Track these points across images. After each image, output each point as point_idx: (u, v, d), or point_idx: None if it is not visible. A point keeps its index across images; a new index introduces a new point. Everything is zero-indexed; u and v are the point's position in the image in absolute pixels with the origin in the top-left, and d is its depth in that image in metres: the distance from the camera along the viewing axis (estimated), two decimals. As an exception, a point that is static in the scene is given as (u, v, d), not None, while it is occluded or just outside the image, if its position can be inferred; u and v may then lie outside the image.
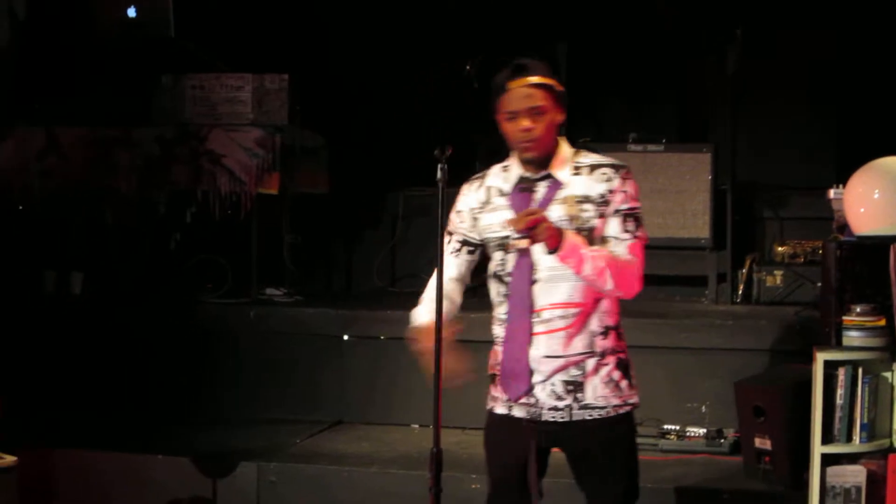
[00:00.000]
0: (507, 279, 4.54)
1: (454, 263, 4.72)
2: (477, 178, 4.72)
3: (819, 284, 6.53)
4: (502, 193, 4.59)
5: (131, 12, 8.12)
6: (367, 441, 6.88)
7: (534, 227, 4.31)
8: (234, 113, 7.83)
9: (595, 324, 4.52)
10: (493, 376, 4.68)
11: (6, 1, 7.97)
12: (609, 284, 4.42)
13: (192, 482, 6.35)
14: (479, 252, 4.73)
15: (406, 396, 7.10)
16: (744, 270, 7.78)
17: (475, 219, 4.65)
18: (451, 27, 8.72)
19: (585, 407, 4.51)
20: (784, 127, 8.48)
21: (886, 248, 5.35)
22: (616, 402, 4.54)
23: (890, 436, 5.36)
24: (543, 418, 4.53)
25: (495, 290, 4.64)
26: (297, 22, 8.85)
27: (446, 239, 4.73)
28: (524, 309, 4.50)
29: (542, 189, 4.53)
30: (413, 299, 7.94)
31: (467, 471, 6.13)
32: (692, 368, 6.77)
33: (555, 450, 4.68)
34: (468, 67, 8.02)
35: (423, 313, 4.68)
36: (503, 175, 4.63)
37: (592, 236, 4.45)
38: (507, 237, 4.53)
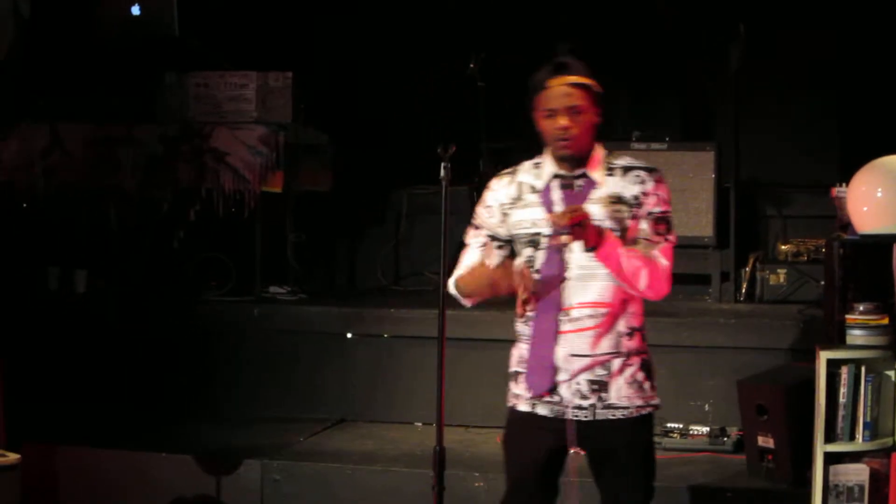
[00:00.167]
0: (535, 276, 4.54)
1: (479, 256, 4.69)
2: (507, 174, 4.69)
3: (822, 283, 6.54)
4: (534, 190, 4.58)
5: (135, 10, 8.13)
6: (370, 439, 6.89)
7: (577, 224, 4.31)
8: (238, 111, 7.83)
9: (622, 325, 4.52)
10: (517, 373, 4.66)
11: (11, -1, 7.99)
12: (641, 285, 4.44)
13: (195, 480, 6.36)
14: (507, 249, 4.69)
15: (409, 394, 7.11)
16: (747, 269, 7.77)
17: (505, 214, 4.63)
18: (452, 26, 8.72)
19: (609, 407, 4.51)
20: (787, 125, 8.49)
21: (889, 247, 5.35)
22: (639, 402, 4.55)
23: (893, 434, 5.35)
24: (567, 417, 4.54)
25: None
26: (301, 20, 8.85)
27: (472, 233, 4.72)
28: (553, 307, 4.49)
29: (576, 188, 4.54)
30: (416, 297, 7.99)
31: (470, 469, 6.14)
32: (695, 367, 6.77)
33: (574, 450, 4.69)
34: (471, 66, 8.02)
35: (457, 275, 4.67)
36: (535, 172, 4.61)
37: (625, 237, 4.46)
38: (537, 233, 4.53)
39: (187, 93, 7.90)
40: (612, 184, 4.51)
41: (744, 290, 7.76)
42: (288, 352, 7.43)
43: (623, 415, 4.52)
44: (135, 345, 7.52)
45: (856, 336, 5.35)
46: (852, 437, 5.32)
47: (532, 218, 4.55)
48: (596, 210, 4.46)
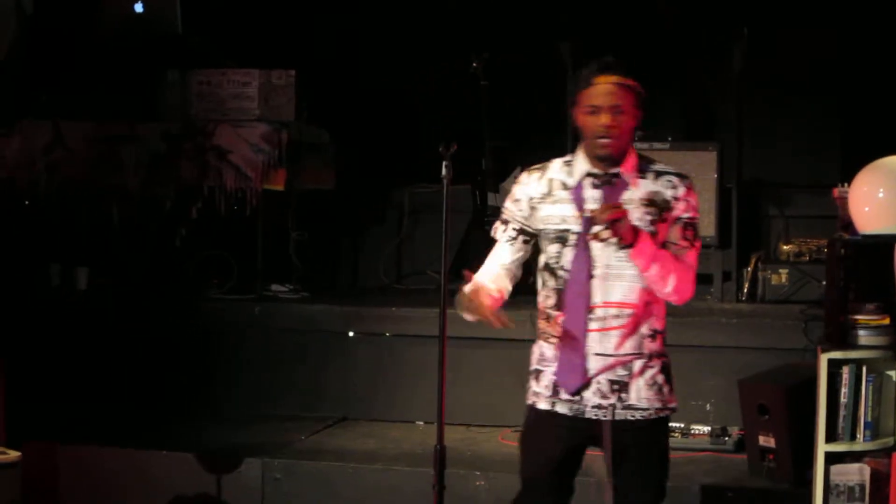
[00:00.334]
0: (561, 273, 4.53)
1: (508, 251, 4.67)
2: (536, 169, 4.67)
3: (824, 283, 6.53)
4: (565, 187, 4.57)
5: (138, 8, 8.13)
6: (371, 438, 6.89)
7: (617, 220, 4.31)
8: (241, 109, 7.84)
9: (645, 326, 4.53)
10: (537, 371, 4.66)
11: (14, -4, 8.00)
12: (669, 287, 4.46)
13: (196, 478, 6.35)
14: (533, 245, 4.68)
15: (411, 393, 7.12)
16: (749, 269, 7.77)
17: (533, 209, 4.61)
18: (454, 25, 8.72)
19: (628, 407, 4.52)
20: (789, 125, 8.49)
21: (891, 247, 5.36)
22: (658, 405, 4.56)
23: (894, 434, 5.37)
24: (586, 416, 4.54)
25: (547, 283, 4.61)
26: (304, 18, 8.85)
27: (500, 227, 4.69)
28: (582, 304, 4.49)
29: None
30: (418, 296, 7.98)
31: (471, 468, 6.15)
32: (697, 366, 6.76)
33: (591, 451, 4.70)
34: (474, 64, 8.02)
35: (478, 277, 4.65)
36: (566, 169, 4.60)
37: (654, 241, 4.48)
38: (566, 230, 4.52)
39: (190, 90, 7.90)
40: (644, 186, 4.53)
41: (745, 290, 7.76)
42: (289, 350, 7.43)
43: (642, 416, 4.53)
44: (136, 343, 7.52)
45: (857, 336, 5.35)
46: (853, 437, 5.33)
47: (561, 214, 4.55)
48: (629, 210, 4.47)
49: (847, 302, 5.41)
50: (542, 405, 4.63)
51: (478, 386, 7.03)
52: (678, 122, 8.66)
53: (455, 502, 5.19)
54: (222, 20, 8.43)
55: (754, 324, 6.95)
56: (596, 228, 4.37)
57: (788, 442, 5.85)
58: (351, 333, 7.35)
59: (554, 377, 4.58)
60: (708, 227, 7.76)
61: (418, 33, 8.79)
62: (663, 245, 4.49)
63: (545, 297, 4.62)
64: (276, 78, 7.85)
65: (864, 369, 5.31)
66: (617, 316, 4.49)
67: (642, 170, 4.56)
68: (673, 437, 6.42)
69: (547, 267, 4.60)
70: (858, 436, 5.33)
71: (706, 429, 6.55)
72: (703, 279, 7.85)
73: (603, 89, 4.47)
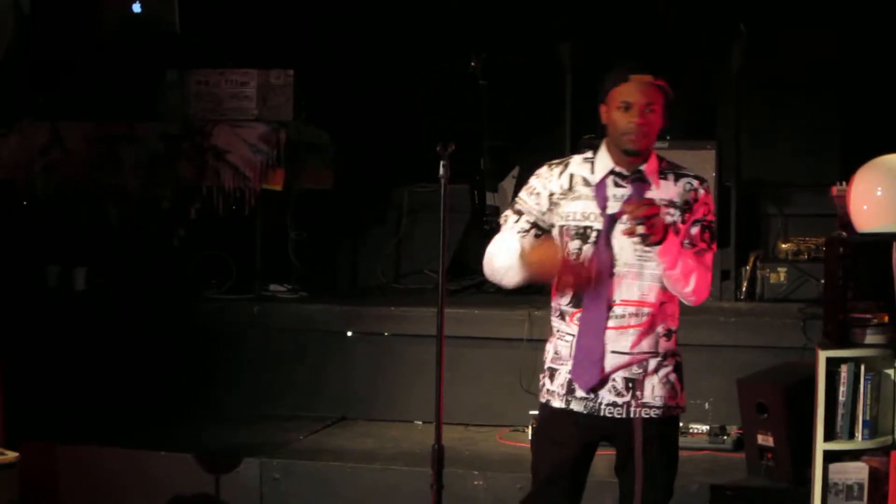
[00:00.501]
0: None
1: (518, 243, 4.60)
2: (557, 164, 4.66)
3: (822, 281, 6.53)
4: (587, 183, 4.56)
5: (136, 8, 8.14)
6: (370, 437, 6.89)
7: (650, 217, 4.31)
8: (239, 109, 7.84)
9: (661, 326, 4.54)
10: (552, 370, 4.65)
11: (11, -4, 8.00)
12: (690, 287, 4.48)
13: (195, 478, 6.35)
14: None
15: (409, 393, 7.11)
16: (748, 267, 7.77)
17: (554, 204, 4.59)
18: (454, 26, 8.72)
19: (643, 405, 4.52)
20: (788, 124, 8.49)
21: (889, 246, 5.35)
22: (670, 403, 4.57)
23: (892, 433, 5.36)
24: (602, 413, 4.54)
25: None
26: (303, 18, 8.85)
27: (512, 217, 4.65)
28: (602, 301, 4.49)
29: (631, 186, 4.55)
30: (417, 295, 7.98)
31: (469, 467, 6.15)
32: (695, 365, 6.73)
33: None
34: (473, 64, 8.02)
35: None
36: (587, 166, 4.60)
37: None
38: (588, 227, 4.51)
39: (188, 90, 7.90)
40: (665, 187, 4.54)
41: (744, 289, 7.76)
42: (288, 350, 7.43)
43: (656, 414, 4.53)
44: (134, 343, 7.51)
45: (855, 335, 5.35)
46: (852, 436, 5.33)
47: (583, 210, 4.54)
48: None
49: (846, 300, 5.40)
50: (557, 403, 4.61)
51: (476, 385, 7.03)
52: (677, 120, 8.64)
53: (453, 502, 5.19)
54: (221, 20, 8.43)
55: (753, 322, 6.94)
56: (628, 224, 4.35)
57: (787, 441, 5.85)
58: (349, 333, 7.35)
59: (569, 375, 4.57)
60: (706, 226, 7.75)
61: (418, 33, 8.79)
62: (681, 246, 4.51)
63: (562, 295, 4.61)
64: (275, 78, 7.84)
65: (863, 368, 5.31)
66: (635, 314, 4.50)
67: (663, 171, 4.57)
68: (672, 435, 6.45)
69: None
70: (857, 434, 5.33)
71: (705, 428, 6.54)
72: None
73: (637, 87, 4.49)
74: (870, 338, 5.34)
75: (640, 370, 4.52)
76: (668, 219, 4.47)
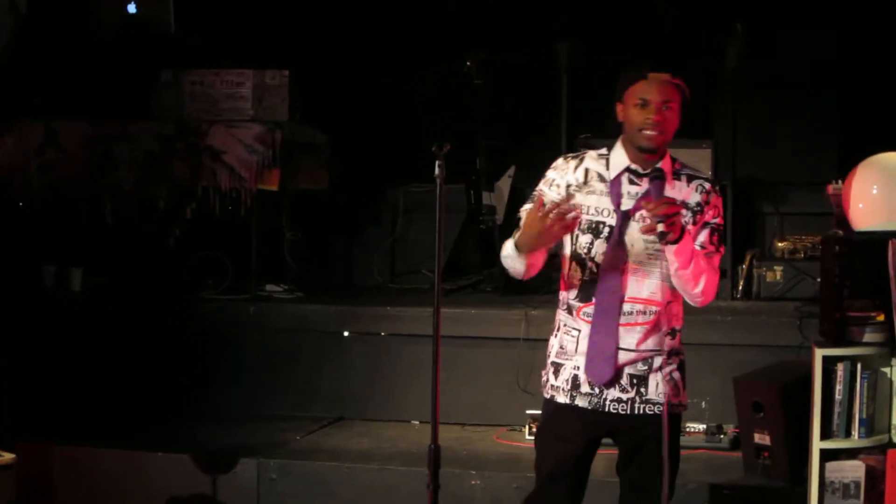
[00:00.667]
0: (591, 265, 4.54)
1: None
2: (573, 158, 4.67)
3: (819, 280, 6.53)
4: (602, 179, 4.57)
5: (132, 8, 8.13)
6: (366, 437, 6.89)
7: (671, 215, 4.32)
8: (235, 109, 7.83)
9: (667, 324, 4.58)
10: (556, 365, 4.65)
11: (7, -4, 7.99)
12: (699, 287, 4.51)
13: (192, 479, 6.35)
14: None
15: (406, 392, 7.11)
16: (744, 266, 7.77)
17: (571, 196, 4.59)
18: (451, 26, 8.72)
19: (647, 402, 4.56)
20: (784, 123, 8.50)
21: (885, 244, 5.34)
22: (673, 401, 4.61)
23: (889, 431, 5.36)
24: (606, 409, 4.56)
25: (574, 273, 4.59)
26: (298, 18, 8.85)
27: (531, 207, 4.62)
28: (614, 297, 4.51)
29: (646, 184, 4.55)
30: (413, 295, 7.98)
31: (466, 467, 6.15)
32: (692, 364, 6.65)
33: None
34: (468, 63, 8.02)
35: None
36: (602, 162, 4.61)
37: None
38: (600, 222, 4.52)
39: (183, 90, 7.89)
40: (678, 188, 4.55)
41: (741, 288, 7.75)
42: (284, 350, 7.42)
43: (659, 410, 4.54)
44: (131, 343, 7.50)
45: (852, 333, 5.35)
46: (848, 434, 5.33)
47: (596, 205, 4.55)
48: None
49: (842, 299, 5.40)
50: (562, 399, 4.62)
51: (473, 385, 7.03)
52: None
53: (450, 501, 5.19)
54: (216, 20, 8.42)
55: (749, 321, 6.95)
56: (648, 221, 4.35)
57: (783, 439, 5.85)
58: (346, 333, 7.34)
59: (575, 371, 4.59)
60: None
61: (415, 33, 8.79)
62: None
63: (571, 288, 4.61)
64: (270, 78, 7.84)
65: (859, 366, 5.31)
66: (643, 312, 4.52)
67: (676, 172, 4.59)
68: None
69: (576, 257, 4.59)
70: (853, 433, 5.32)
71: (701, 426, 6.54)
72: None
73: (654, 84, 4.50)
74: (866, 336, 5.34)
75: (645, 367, 4.56)
76: (681, 220, 4.48)
